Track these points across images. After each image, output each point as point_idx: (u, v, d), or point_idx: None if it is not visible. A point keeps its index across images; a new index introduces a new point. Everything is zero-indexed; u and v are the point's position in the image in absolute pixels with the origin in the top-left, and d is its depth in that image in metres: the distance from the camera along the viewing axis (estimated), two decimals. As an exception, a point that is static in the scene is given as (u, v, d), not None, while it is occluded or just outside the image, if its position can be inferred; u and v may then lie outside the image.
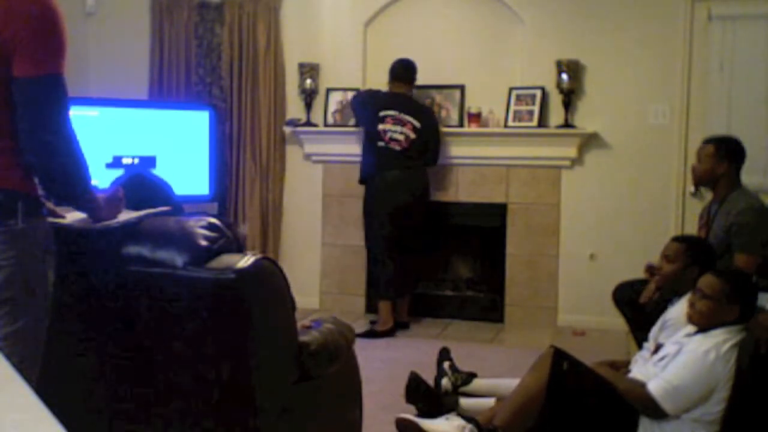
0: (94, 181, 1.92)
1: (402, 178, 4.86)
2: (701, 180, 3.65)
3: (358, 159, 5.09)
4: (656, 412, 2.57)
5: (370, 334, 4.75)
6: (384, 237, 4.90)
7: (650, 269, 3.45)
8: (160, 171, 2.41)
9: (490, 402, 3.17)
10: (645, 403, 2.59)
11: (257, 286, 2.05)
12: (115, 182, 2.32)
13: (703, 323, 2.66)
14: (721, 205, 3.53)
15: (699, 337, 2.63)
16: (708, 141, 3.64)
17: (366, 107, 5.00)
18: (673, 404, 2.55)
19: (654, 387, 2.58)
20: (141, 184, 2.33)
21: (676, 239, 3.30)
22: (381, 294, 4.95)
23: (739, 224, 3.37)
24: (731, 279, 2.69)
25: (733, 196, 3.48)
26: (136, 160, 4.98)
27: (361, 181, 5.03)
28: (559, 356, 2.74)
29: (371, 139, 4.93)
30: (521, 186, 5.15)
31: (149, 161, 5.03)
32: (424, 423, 3.01)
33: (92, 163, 1.88)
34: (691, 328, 2.72)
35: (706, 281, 2.68)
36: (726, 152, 3.52)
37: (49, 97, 1.74)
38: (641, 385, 2.63)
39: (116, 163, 4.90)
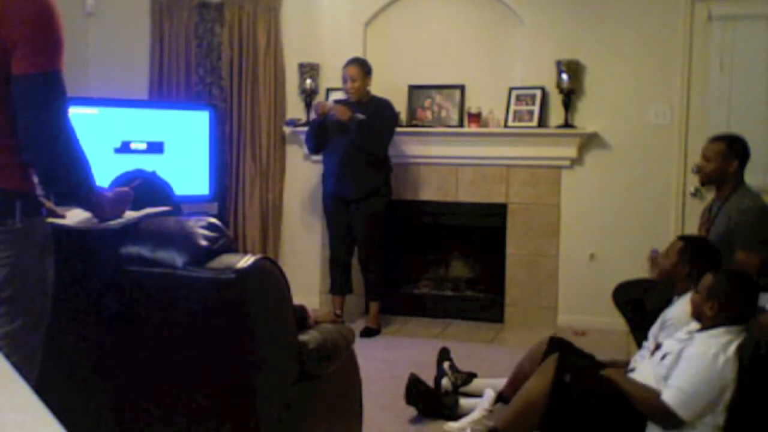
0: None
1: None
2: (710, 178, 3.55)
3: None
4: (672, 421, 2.55)
5: (368, 332, 4.79)
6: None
7: (653, 257, 3.40)
8: (159, 171, 2.41)
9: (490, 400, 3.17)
10: (661, 412, 2.57)
11: (257, 286, 2.05)
12: (115, 182, 2.31)
13: (696, 317, 2.68)
14: (724, 203, 3.50)
15: (701, 337, 2.62)
16: (717, 139, 3.56)
17: None
18: (688, 411, 2.53)
19: (668, 396, 2.56)
20: (141, 183, 2.32)
21: (680, 237, 3.30)
22: (374, 296, 5.01)
23: (741, 223, 3.33)
24: (719, 275, 2.70)
25: (736, 195, 3.44)
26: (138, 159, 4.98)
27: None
28: (562, 366, 2.73)
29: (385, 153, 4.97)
30: (521, 186, 5.15)
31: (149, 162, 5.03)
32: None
33: (93, 162, 1.87)
34: (692, 326, 2.72)
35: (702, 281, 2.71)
36: (737, 150, 3.47)
37: (48, 95, 1.73)
38: (655, 395, 2.60)
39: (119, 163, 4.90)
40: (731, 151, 3.46)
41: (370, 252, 4.91)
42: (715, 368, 2.52)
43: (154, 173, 2.44)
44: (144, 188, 2.27)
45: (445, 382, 3.52)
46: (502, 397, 3.13)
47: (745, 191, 3.46)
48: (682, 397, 2.54)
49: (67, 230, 2.06)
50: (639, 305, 3.49)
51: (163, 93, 5.58)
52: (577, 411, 2.69)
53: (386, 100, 4.90)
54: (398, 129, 5.19)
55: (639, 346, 3.34)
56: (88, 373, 2.17)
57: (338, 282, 5.05)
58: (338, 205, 4.92)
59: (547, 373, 2.72)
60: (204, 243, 2.05)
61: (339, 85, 5.34)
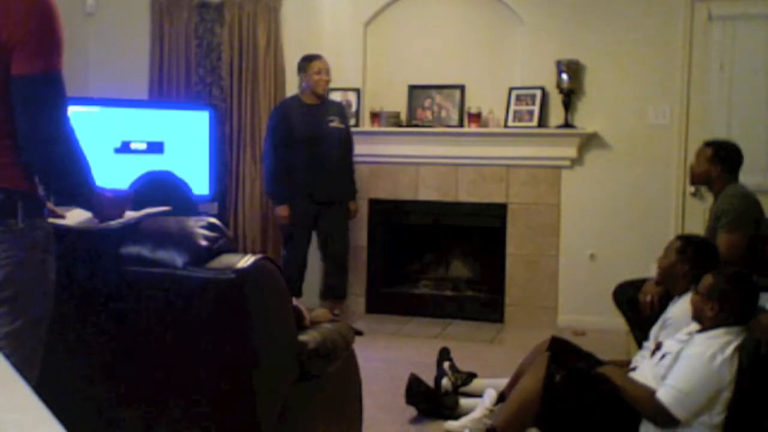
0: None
1: None
2: (695, 179, 3.74)
3: (358, 159, 5.10)
4: (667, 419, 2.55)
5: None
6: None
7: None
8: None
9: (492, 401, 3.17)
10: (655, 411, 2.57)
11: (257, 286, 2.05)
12: (134, 183, 2.33)
13: (696, 318, 2.68)
14: (715, 200, 3.62)
15: (700, 338, 2.62)
16: (708, 144, 3.69)
17: None
18: (683, 410, 2.53)
19: (663, 395, 2.56)
20: (159, 184, 2.34)
21: (678, 237, 3.32)
22: (344, 295, 5.11)
23: (723, 209, 3.45)
24: (716, 276, 2.70)
25: (723, 193, 3.55)
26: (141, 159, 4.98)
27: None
28: (553, 365, 2.73)
29: None
30: (521, 186, 5.15)
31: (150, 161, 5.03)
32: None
33: (93, 162, 1.87)
34: (692, 327, 2.72)
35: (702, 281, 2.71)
36: (721, 157, 3.60)
37: (48, 95, 1.73)
38: (650, 393, 2.61)
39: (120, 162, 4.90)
40: (715, 157, 3.60)
41: (347, 253, 5.04)
42: (712, 369, 2.52)
43: (171, 173, 2.47)
44: (161, 188, 2.29)
45: (445, 382, 3.52)
46: (503, 397, 3.13)
47: (731, 187, 3.55)
48: (677, 396, 2.54)
49: (68, 230, 2.06)
50: (639, 305, 3.50)
51: (163, 93, 5.58)
52: (569, 409, 2.70)
53: (342, 104, 5.13)
54: (398, 129, 5.24)
55: (639, 346, 3.34)
56: (89, 373, 2.17)
57: (299, 284, 4.97)
58: (308, 207, 4.84)
59: (539, 372, 2.73)
60: (204, 243, 2.05)
61: (339, 85, 5.34)
